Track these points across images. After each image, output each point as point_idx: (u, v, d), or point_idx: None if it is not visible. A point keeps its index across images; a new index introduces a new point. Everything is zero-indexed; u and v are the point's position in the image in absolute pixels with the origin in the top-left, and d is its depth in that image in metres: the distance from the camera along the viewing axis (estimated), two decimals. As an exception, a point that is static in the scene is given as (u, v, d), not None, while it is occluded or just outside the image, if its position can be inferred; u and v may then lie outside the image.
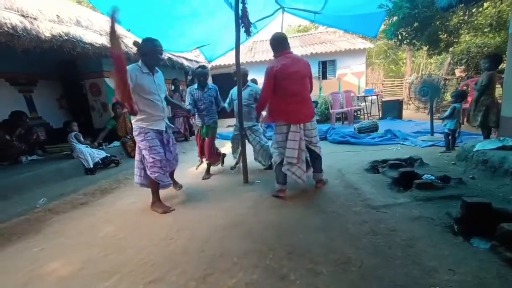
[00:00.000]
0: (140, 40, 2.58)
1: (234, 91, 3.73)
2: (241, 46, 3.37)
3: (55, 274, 1.76)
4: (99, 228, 2.40)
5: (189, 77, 3.24)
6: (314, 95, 9.06)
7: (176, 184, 3.22)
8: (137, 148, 2.67)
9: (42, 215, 2.79)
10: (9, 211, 2.80)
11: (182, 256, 1.84)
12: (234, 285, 1.51)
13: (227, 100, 3.86)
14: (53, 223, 2.61)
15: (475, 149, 3.04)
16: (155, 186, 2.67)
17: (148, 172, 2.59)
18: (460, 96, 4.15)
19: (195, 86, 3.55)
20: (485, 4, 6.02)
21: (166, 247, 1.98)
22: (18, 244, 2.23)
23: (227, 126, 8.15)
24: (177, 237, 2.12)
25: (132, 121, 2.57)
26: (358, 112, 8.49)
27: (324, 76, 10.41)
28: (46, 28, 3.34)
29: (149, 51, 2.47)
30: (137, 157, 2.70)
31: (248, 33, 3.34)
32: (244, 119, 3.44)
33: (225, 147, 5.11)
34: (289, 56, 2.59)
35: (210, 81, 6.32)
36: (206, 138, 3.60)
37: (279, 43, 2.64)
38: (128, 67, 2.28)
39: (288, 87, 2.52)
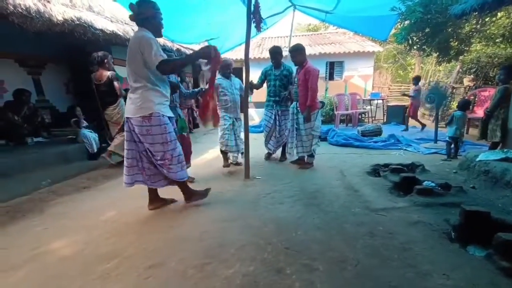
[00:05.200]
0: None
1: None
2: (250, 42, 3.37)
3: (57, 253, 1.80)
4: (101, 212, 2.44)
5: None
6: (320, 96, 9.05)
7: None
8: (134, 144, 2.16)
9: (46, 196, 2.84)
10: (14, 190, 2.85)
11: (182, 244, 1.87)
12: (231, 275, 1.54)
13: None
14: (56, 204, 2.66)
15: (477, 159, 3.04)
16: (184, 183, 2.38)
17: (168, 171, 2.19)
18: (462, 105, 4.14)
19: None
20: (499, 14, 5.95)
21: (166, 235, 2.01)
22: (22, 223, 2.28)
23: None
24: (177, 225, 2.15)
25: (139, 104, 2.03)
26: (363, 115, 8.47)
27: (331, 77, 10.38)
28: (59, 12, 3.36)
29: (151, 16, 2.08)
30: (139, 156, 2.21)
31: (258, 28, 3.35)
32: (235, 110, 3.63)
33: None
34: None
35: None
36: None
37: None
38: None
39: None
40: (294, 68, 3.71)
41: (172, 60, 2.11)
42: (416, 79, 7.03)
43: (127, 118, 2.11)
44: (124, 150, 2.20)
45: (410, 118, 6.98)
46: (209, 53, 2.03)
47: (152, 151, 2.14)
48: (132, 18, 2.09)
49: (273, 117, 3.94)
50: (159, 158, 2.15)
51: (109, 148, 3.82)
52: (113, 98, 3.92)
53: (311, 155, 3.69)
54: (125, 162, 2.22)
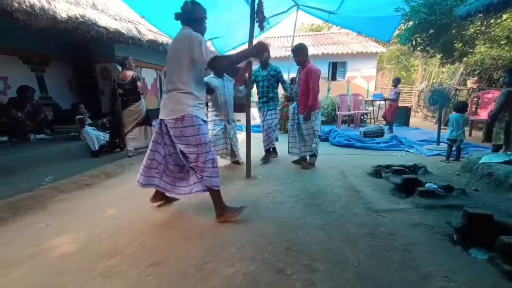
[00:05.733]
0: None
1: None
2: (253, 41, 3.36)
3: (59, 250, 1.81)
4: (102, 210, 2.45)
5: None
6: (321, 96, 9.03)
7: None
8: (161, 146, 2.15)
9: (48, 192, 2.86)
10: (16, 187, 2.86)
11: (182, 243, 1.88)
12: (231, 274, 1.54)
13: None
14: (58, 201, 2.67)
15: (480, 162, 3.03)
16: (219, 194, 2.16)
17: (201, 174, 2.06)
18: (457, 107, 4.14)
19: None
20: (504, 16, 5.91)
21: (167, 233, 2.02)
22: (24, 219, 2.29)
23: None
24: (178, 224, 2.16)
25: (181, 107, 1.95)
26: (365, 116, 8.44)
27: (333, 77, 10.33)
28: (63, 9, 3.38)
29: (201, 18, 2.06)
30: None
31: (261, 28, 3.34)
32: (227, 112, 3.56)
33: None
34: None
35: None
36: None
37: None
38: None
39: None
40: (295, 68, 3.72)
41: (226, 57, 2.07)
42: (396, 81, 7.08)
43: (161, 120, 2.07)
44: (148, 150, 2.18)
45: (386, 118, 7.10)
46: (265, 49, 1.99)
47: (186, 152, 2.06)
48: (179, 16, 2.04)
49: (263, 118, 3.97)
50: (192, 160, 2.06)
51: (132, 150, 4.33)
52: (136, 95, 4.26)
53: (314, 155, 3.68)
54: (144, 162, 2.18)
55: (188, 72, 1.95)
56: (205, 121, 2.11)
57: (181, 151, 2.10)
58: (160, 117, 2.07)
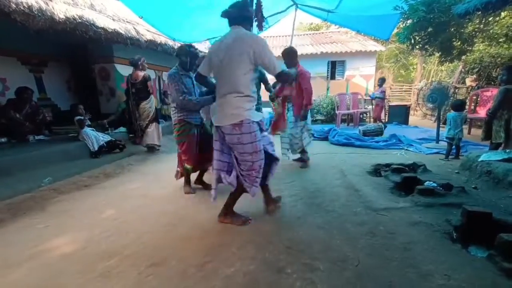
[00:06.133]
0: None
1: None
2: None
3: (58, 251, 1.81)
4: (101, 211, 2.45)
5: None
6: (320, 95, 9.04)
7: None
8: (223, 154, 2.09)
9: (47, 193, 2.85)
10: (15, 188, 2.86)
11: (182, 243, 1.88)
12: (232, 274, 1.54)
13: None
14: (57, 202, 2.67)
15: (479, 160, 3.03)
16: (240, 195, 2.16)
17: (251, 183, 1.99)
18: (454, 106, 4.15)
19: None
20: (503, 14, 5.92)
21: (167, 233, 2.02)
22: (24, 220, 2.29)
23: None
24: (178, 224, 2.16)
25: (242, 111, 1.88)
26: (364, 115, 8.44)
27: (332, 76, 10.34)
28: (61, 10, 3.37)
29: (250, 17, 2.06)
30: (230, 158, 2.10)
31: (260, 27, 3.33)
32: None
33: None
34: None
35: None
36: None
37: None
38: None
39: None
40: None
41: (288, 74, 2.01)
42: (381, 81, 7.10)
43: (217, 127, 1.98)
44: (214, 160, 2.08)
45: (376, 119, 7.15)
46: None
47: (240, 160, 1.96)
48: (229, 14, 1.93)
49: None
50: (246, 168, 1.95)
51: (147, 143, 4.68)
52: (146, 94, 4.57)
53: (304, 151, 3.72)
54: (215, 175, 2.08)
55: (249, 75, 1.86)
56: (259, 124, 2.00)
57: (236, 158, 2.00)
58: (216, 124, 1.97)
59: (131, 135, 4.98)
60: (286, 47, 3.54)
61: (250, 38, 1.84)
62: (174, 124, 2.70)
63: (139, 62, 4.42)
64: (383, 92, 6.99)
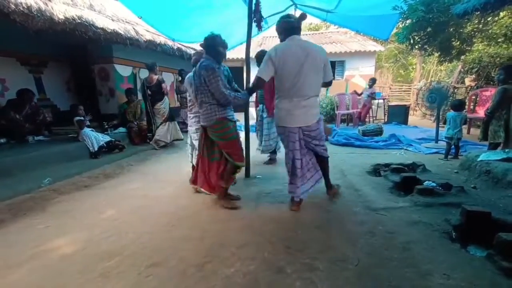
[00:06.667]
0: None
1: None
2: (251, 41, 3.36)
3: (59, 251, 1.81)
4: (101, 211, 2.45)
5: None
6: (321, 95, 9.02)
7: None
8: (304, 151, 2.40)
9: (47, 194, 2.85)
10: (15, 189, 2.86)
11: (182, 243, 1.88)
12: (232, 274, 1.54)
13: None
14: (57, 203, 2.66)
15: (479, 159, 3.03)
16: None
17: (323, 150, 2.41)
18: (454, 105, 4.16)
19: None
20: (501, 14, 5.92)
21: (167, 233, 2.02)
22: (24, 221, 2.29)
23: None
24: (178, 224, 2.16)
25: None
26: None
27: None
28: (60, 10, 3.37)
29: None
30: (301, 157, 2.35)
31: (259, 27, 3.34)
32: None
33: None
34: None
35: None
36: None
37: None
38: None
39: None
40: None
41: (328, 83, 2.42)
42: (372, 81, 7.11)
43: (299, 127, 2.25)
44: (296, 159, 2.27)
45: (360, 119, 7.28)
46: None
47: (315, 145, 2.36)
48: (295, 27, 2.25)
49: None
50: (320, 150, 2.39)
51: (155, 138, 5.00)
52: (160, 96, 4.92)
53: (274, 152, 3.88)
54: (299, 172, 2.28)
55: (322, 79, 2.26)
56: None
57: (315, 145, 2.36)
58: (299, 125, 2.24)
59: (149, 134, 5.20)
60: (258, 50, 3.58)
61: (322, 49, 2.25)
62: (216, 124, 2.35)
63: (154, 67, 4.82)
64: (373, 93, 7.03)
